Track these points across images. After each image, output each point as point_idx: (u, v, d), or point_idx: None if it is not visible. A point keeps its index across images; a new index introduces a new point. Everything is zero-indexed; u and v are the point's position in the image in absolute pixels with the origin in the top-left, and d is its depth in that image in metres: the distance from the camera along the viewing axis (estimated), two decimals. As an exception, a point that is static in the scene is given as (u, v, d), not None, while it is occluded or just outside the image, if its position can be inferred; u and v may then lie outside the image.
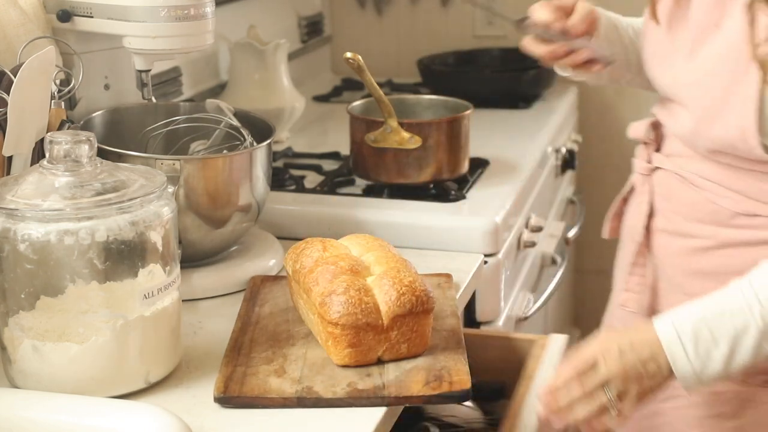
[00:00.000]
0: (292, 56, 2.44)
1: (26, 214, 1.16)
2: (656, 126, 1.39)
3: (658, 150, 1.39)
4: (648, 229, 1.39)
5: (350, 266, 1.32)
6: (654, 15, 1.34)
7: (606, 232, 1.49)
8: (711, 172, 1.28)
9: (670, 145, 1.36)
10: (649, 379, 1.20)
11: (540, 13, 1.44)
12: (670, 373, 1.19)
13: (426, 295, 1.28)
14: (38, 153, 1.38)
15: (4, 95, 1.33)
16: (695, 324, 1.19)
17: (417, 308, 1.27)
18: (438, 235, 1.71)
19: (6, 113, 1.32)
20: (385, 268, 1.32)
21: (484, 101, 2.37)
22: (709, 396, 1.34)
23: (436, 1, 2.87)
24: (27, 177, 1.22)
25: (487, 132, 2.23)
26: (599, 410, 1.19)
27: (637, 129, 1.42)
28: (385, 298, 1.27)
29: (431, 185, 1.84)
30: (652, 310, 1.41)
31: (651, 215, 1.39)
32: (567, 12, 1.44)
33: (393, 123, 1.78)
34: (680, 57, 1.28)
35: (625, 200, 1.46)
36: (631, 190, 1.45)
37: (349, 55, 1.74)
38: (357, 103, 1.92)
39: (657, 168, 1.38)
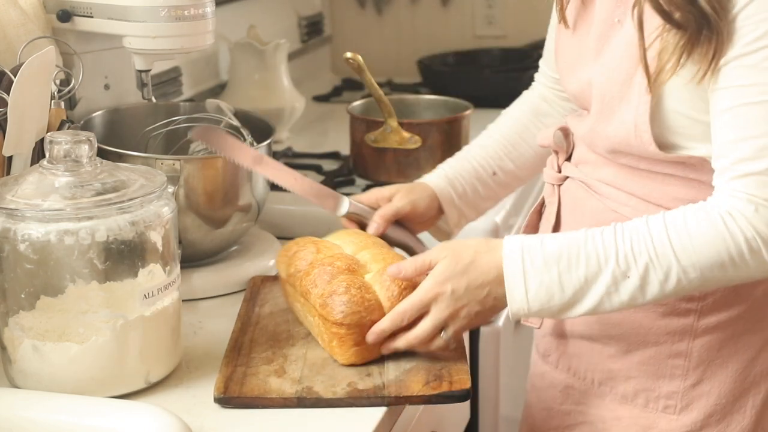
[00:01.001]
0: (292, 56, 2.44)
1: (26, 214, 1.16)
2: (567, 134, 1.37)
3: (569, 159, 1.38)
4: None
5: (347, 265, 1.32)
6: (563, 18, 1.34)
7: None
8: (613, 177, 1.27)
9: (578, 152, 1.35)
10: (487, 311, 1.22)
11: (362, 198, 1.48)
12: (497, 303, 1.21)
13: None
14: (38, 153, 1.38)
15: (4, 95, 1.33)
16: (547, 262, 1.18)
17: None
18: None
19: (6, 113, 1.32)
20: (383, 264, 1.32)
21: (484, 101, 2.37)
22: (612, 423, 1.34)
23: (436, 1, 2.87)
24: (27, 177, 1.22)
25: (486, 132, 2.23)
26: (433, 347, 1.24)
27: (545, 136, 1.39)
28: (387, 294, 1.27)
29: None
30: (557, 326, 1.41)
31: (558, 227, 1.37)
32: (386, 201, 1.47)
33: (393, 123, 1.78)
34: (588, 58, 1.27)
35: (540, 213, 1.44)
36: (542, 202, 1.43)
37: (349, 55, 1.74)
38: (357, 103, 1.92)
39: (566, 178, 1.36)
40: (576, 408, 1.37)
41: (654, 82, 1.17)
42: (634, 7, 1.17)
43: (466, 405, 1.75)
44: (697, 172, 1.21)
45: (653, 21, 1.16)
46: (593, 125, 1.26)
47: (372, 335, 1.24)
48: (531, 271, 1.18)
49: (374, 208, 1.46)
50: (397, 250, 1.41)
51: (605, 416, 1.34)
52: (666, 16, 1.13)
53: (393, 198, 1.46)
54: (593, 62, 1.25)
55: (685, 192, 1.22)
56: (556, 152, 1.38)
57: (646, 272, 1.15)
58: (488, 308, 1.22)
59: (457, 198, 1.49)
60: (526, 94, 1.59)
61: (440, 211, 1.49)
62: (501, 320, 1.78)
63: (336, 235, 1.42)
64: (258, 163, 1.46)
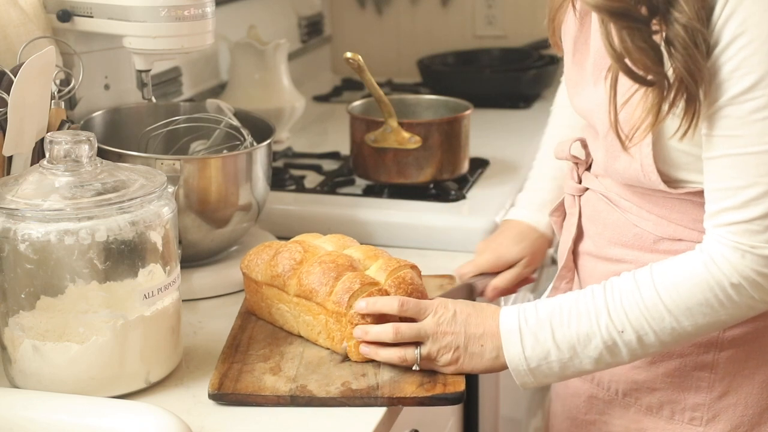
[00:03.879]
0: (292, 56, 2.44)
1: (26, 214, 1.16)
2: (585, 144, 1.36)
3: (588, 169, 1.37)
4: (575, 253, 1.38)
5: (349, 263, 1.32)
6: (555, 44, 1.33)
7: None
8: (632, 196, 1.27)
9: (597, 166, 1.35)
10: (468, 356, 1.22)
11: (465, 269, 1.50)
12: (496, 360, 1.22)
13: (418, 285, 1.33)
14: (38, 153, 1.38)
15: (4, 95, 1.33)
16: (540, 321, 1.20)
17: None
18: (438, 235, 1.71)
19: (6, 113, 1.32)
20: (380, 261, 1.34)
21: (484, 101, 2.37)
22: None
23: (436, 1, 2.87)
24: (27, 177, 1.22)
25: (487, 132, 2.23)
26: (400, 359, 1.23)
27: (561, 150, 1.38)
28: (399, 293, 1.29)
29: (431, 185, 1.84)
30: None
31: (579, 238, 1.38)
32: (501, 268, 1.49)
33: (393, 123, 1.78)
34: (589, 85, 1.26)
35: (561, 216, 1.44)
36: (563, 211, 1.43)
37: (349, 55, 1.74)
38: (357, 103, 1.92)
39: (587, 189, 1.36)
40: (600, 418, 1.37)
41: (630, 141, 1.17)
42: (608, 72, 1.16)
43: (454, 407, 1.75)
44: None
45: (626, 81, 1.14)
46: (604, 160, 1.26)
47: (365, 303, 1.25)
48: (525, 328, 1.21)
49: (491, 273, 1.48)
50: (401, 254, 1.40)
51: (630, 427, 1.34)
52: (635, 77, 1.13)
53: (516, 265, 1.48)
54: (593, 90, 1.25)
55: (703, 213, 1.21)
56: (576, 163, 1.37)
57: (640, 325, 1.17)
58: (471, 353, 1.22)
59: (558, 220, 1.47)
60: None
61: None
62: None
63: (307, 235, 1.43)
64: None
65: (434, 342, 1.23)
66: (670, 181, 1.21)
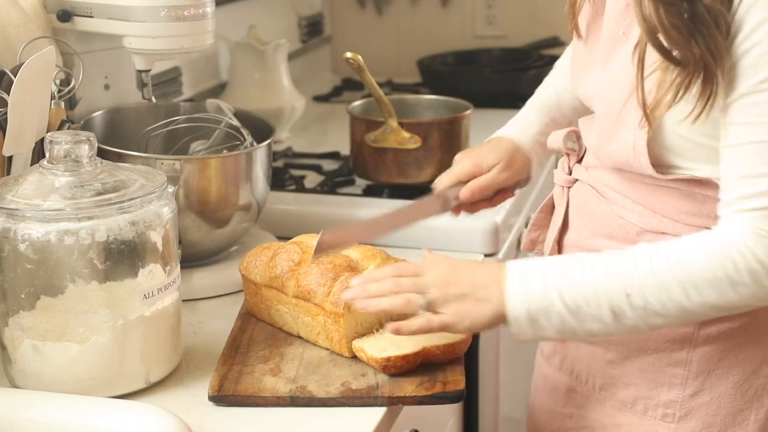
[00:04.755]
0: (292, 56, 2.44)
1: (26, 214, 1.16)
2: (579, 136, 1.37)
3: (580, 161, 1.37)
4: (560, 244, 1.38)
5: (347, 263, 1.33)
6: (576, 28, 1.34)
7: (524, 245, 1.48)
8: (620, 185, 1.27)
9: (588, 156, 1.35)
10: (473, 302, 1.19)
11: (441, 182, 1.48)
12: (499, 309, 1.18)
13: None
14: (38, 153, 1.38)
15: (4, 95, 1.33)
16: (549, 269, 1.17)
17: None
18: (438, 235, 1.71)
19: (6, 113, 1.32)
20: (378, 261, 1.34)
21: (484, 101, 2.37)
22: (611, 429, 1.34)
23: (436, 1, 2.87)
24: (27, 177, 1.22)
25: (487, 132, 2.22)
26: (406, 307, 1.20)
27: (555, 139, 1.39)
28: None
29: (431, 185, 1.84)
30: None
31: (564, 229, 1.37)
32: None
33: (393, 123, 1.78)
34: (596, 68, 1.27)
35: (548, 213, 1.44)
36: (550, 203, 1.43)
37: (349, 55, 1.74)
38: (357, 103, 1.92)
39: (576, 180, 1.36)
40: (577, 411, 1.37)
41: (651, 114, 1.17)
42: (636, 45, 1.17)
43: (453, 405, 1.75)
44: (701, 188, 1.21)
45: (652, 55, 1.16)
46: (597, 142, 1.27)
47: (356, 281, 1.23)
48: (532, 273, 1.18)
49: (464, 181, 1.45)
50: (401, 254, 1.40)
51: (605, 422, 1.34)
52: (665, 53, 1.13)
53: (492, 170, 1.46)
54: (601, 72, 1.25)
55: (690, 205, 1.22)
56: (567, 154, 1.38)
57: (650, 292, 1.15)
58: (479, 298, 1.19)
59: (540, 150, 1.49)
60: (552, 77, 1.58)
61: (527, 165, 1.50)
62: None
63: (306, 236, 1.43)
64: (372, 231, 1.43)
65: (438, 290, 1.20)
66: (659, 165, 1.21)
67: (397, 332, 1.20)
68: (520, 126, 1.52)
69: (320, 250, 1.31)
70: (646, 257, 1.16)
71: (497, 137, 1.52)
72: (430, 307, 1.20)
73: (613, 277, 1.16)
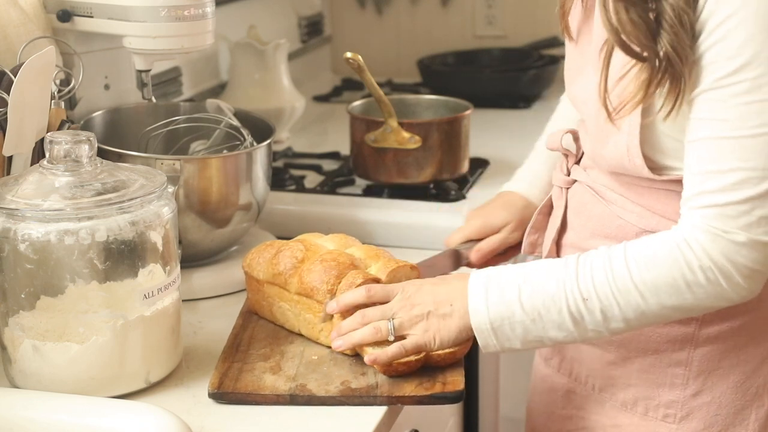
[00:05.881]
0: (292, 56, 2.44)
1: (26, 214, 1.16)
2: (577, 137, 1.38)
3: (578, 162, 1.38)
4: (558, 245, 1.38)
5: (350, 261, 1.33)
6: (567, 30, 1.34)
7: (524, 248, 1.49)
8: (618, 186, 1.28)
9: (587, 157, 1.36)
10: (437, 319, 1.21)
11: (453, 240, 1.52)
12: (464, 322, 1.20)
13: None
14: (38, 153, 1.38)
15: (4, 95, 1.33)
16: (508, 280, 1.19)
17: None
18: (438, 235, 1.71)
19: (6, 113, 1.32)
20: (381, 261, 1.34)
21: (484, 101, 2.37)
22: (611, 430, 1.34)
23: (436, 1, 2.87)
24: (27, 177, 1.22)
25: (487, 132, 2.23)
26: (376, 335, 1.23)
27: (554, 140, 1.40)
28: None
29: (431, 185, 1.84)
30: None
31: (563, 230, 1.38)
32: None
33: (393, 123, 1.78)
34: (589, 71, 1.27)
35: (546, 214, 1.44)
36: (549, 204, 1.44)
37: (349, 55, 1.74)
38: (357, 103, 1.92)
39: (575, 181, 1.37)
40: (577, 413, 1.37)
41: (616, 114, 1.18)
42: (603, 46, 1.18)
43: (453, 405, 1.75)
44: None
45: (621, 57, 1.16)
46: (592, 146, 1.27)
47: (334, 303, 1.26)
48: (492, 285, 1.20)
49: (474, 239, 1.50)
50: (401, 254, 1.41)
51: (605, 423, 1.34)
52: (631, 52, 1.14)
53: (502, 230, 1.50)
54: (592, 76, 1.26)
55: None
56: (566, 155, 1.38)
57: (605, 295, 1.16)
58: (441, 314, 1.22)
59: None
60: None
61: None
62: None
63: (309, 235, 1.43)
64: None
65: (404, 313, 1.23)
66: (655, 167, 1.22)
67: (374, 363, 1.23)
68: (530, 180, 1.53)
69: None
70: (606, 259, 1.17)
71: (507, 192, 1.54)
72: (399, 331, 1.23)
73: (570, 282, 1.17)
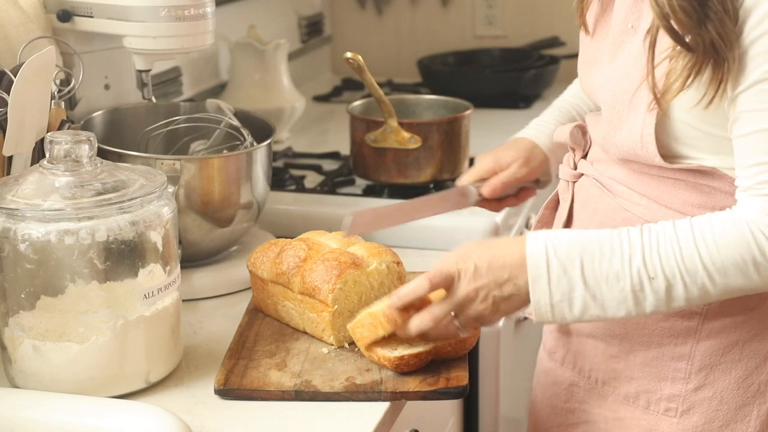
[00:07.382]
0: (292, 56, 2.45)
1: (26, 214, 1.16)
2: (584, 131, 1.39)
3: (585, 157, 1.39)
4: None
5: (352, 260, 1.33)
6: (583, 23, 1.35)
7: None
8: (625, 177, 1.28)
9: (594, 150, 1.36)
10: (504, 301, 1.20)
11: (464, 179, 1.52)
12: (526, 296, 1.19)
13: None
14: (38, 153, 1.38)
15: (4, 95, 1.33)
16: (570, 253, 1.17)
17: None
18: (438, 235, 1.71)
19: (6, 113, 1.32)
20: (381, 258, 1.34)
21: (484, 101, 2.37)
22: (613, 424, 1.34)
23: (436, 1, 2.87)
24: (27, 177, 1.22)
25: (487, 132, 2.23)
26: (447, 334, 1.22)
27: (562, 133, 1.41)
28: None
29: (431, 185, 1.84)
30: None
31: (569, 224, 1.38)
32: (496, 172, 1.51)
33: (393, 123, 1.78)
34: (604, 62, 1.29)
35: (553, 209, 1.44)
36: (556, 198, 1.44)
37: (349, 55, 1.74)
38: (357, 103, 1.92)
39: (581, 175, 1.37)
40: (580, 407, 1.38)
41: (661, 99, 1.18)
42: (648, 30, 1.18)
43: (453, 405, 1.75)
44: (707, 179, 1.21)
45: (664, 41, 1.17)
46: (605, 132, 1.27)
47: (396, 298, 1.22)
48: (554, 259, 1.17)
49: (485, 178, 1.49)
50: (401, 253, 1.41)
51: (607, 416, 1.34)
52: (677, 38, 1.15)
53: (511, 166, 1.49)
54: (608, 66, 1.27)
55: (695, 197, 1.22)
56: (573, 149, 1.39)
57: (673, 275, 1.15)
58: (506, 296, 1.19)
59: (557, 149, 1.51)
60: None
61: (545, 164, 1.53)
62: (501, 320, 1.78)
63: (313, 233, 1.43)
64: (397, 217, 1.45)
65: (471, 305, 1.21)
66: (667, 155, 1.22)
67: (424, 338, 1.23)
68: (538, 126, 1.55)
69: (354, 231, 1.35)
70: (673, 237, 1.15)
71: (516, 137, 1.55)
72: (469, 325, 1.22)
73: (636, 260, 1.16)
